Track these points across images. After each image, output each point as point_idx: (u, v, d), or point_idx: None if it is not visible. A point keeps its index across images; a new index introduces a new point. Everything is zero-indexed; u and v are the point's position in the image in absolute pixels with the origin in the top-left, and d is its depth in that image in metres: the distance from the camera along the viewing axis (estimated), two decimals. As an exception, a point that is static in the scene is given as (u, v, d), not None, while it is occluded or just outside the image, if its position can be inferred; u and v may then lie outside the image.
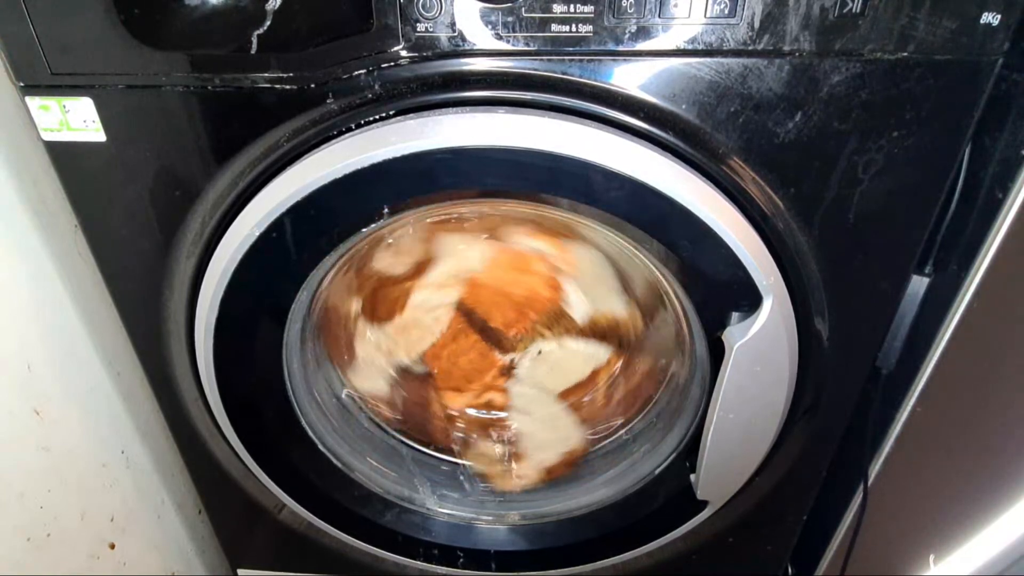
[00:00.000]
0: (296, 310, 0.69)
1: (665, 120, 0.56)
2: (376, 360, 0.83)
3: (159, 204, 0.64)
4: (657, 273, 0.69)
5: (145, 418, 0.90)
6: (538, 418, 0.87)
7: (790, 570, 1.02)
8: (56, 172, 0.63)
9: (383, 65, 0.55)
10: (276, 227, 0.59)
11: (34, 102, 0.58)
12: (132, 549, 0.91)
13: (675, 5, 0.51)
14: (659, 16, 0.52)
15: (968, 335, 0.65)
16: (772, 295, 0.59)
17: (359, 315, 0.81)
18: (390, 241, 0.74)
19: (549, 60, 0.55)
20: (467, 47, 0.54)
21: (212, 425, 0.77)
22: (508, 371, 0.84)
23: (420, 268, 0.77)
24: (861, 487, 0.79)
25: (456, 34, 0.54)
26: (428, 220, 0.72)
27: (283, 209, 0.58)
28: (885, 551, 0.86)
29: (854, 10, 0.50)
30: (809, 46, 0.52)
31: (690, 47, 0.53)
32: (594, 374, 0.85)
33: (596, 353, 0.82)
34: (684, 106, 0.56)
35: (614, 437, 0.88)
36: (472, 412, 0.89)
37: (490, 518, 0.89)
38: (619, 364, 0.85)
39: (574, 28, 0.53)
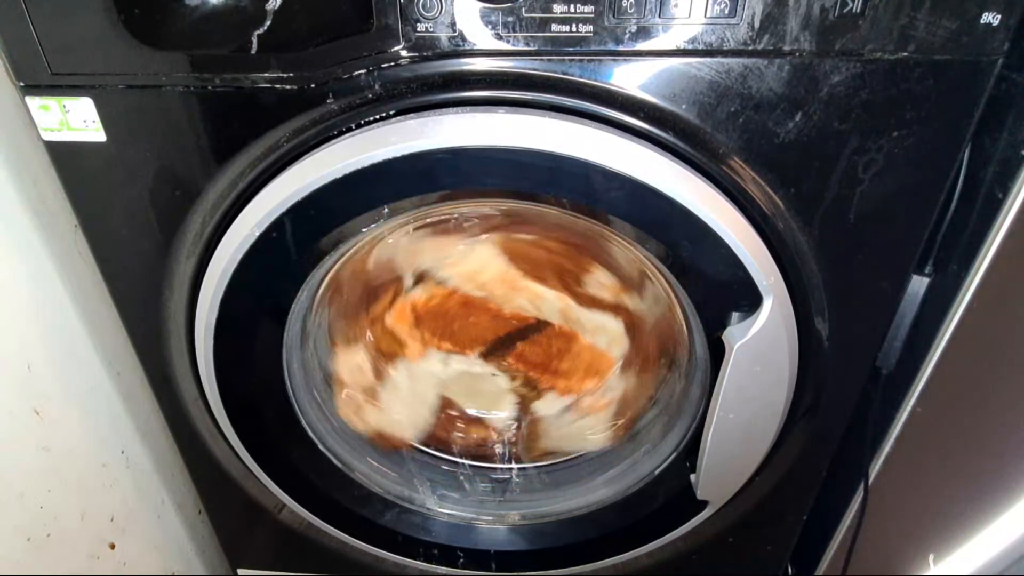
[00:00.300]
0: (296, 310, 0.69)
1: (665, 120, 0.56)
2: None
3: (159, 204, 0.64)
4: (657, 273, 0.69)
5: (145, 418, 0.90)
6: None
7: (790, 570, 1.02)
8: (56, 172, 0.63)
9: (383, 65, 0.55)
10: (276, 227, 0.59)
11: (34, 102, 0.58)
12: (132, 549, 0.91)
13: (675, 5, 0.51)
14: (659, 16, 0.52)
15: (968, 335, 0.65)
16: (772, 295, 0.59)
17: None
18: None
19: (549, 60, 0.55)
20: (467, 47, 0.54)
21: (212, 425, 0.77)
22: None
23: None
24: (861, 487, 0.79)
25: (456, 34, 0.54)
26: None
27: (283, 209, 0.58)
28: (885, 551, 0.86)
29: (854, 10, 0.50)
30: (809, 46, 0.52)
31: (690, 47, 0.53)
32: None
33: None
34: (684, 106, 0.56)
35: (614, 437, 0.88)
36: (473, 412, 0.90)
37: (490, 518, 0.89)
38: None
39: (574, 28, 0.53)
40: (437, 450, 0.91)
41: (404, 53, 0.55)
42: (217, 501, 0.96)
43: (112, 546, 0.88)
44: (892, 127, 0.55)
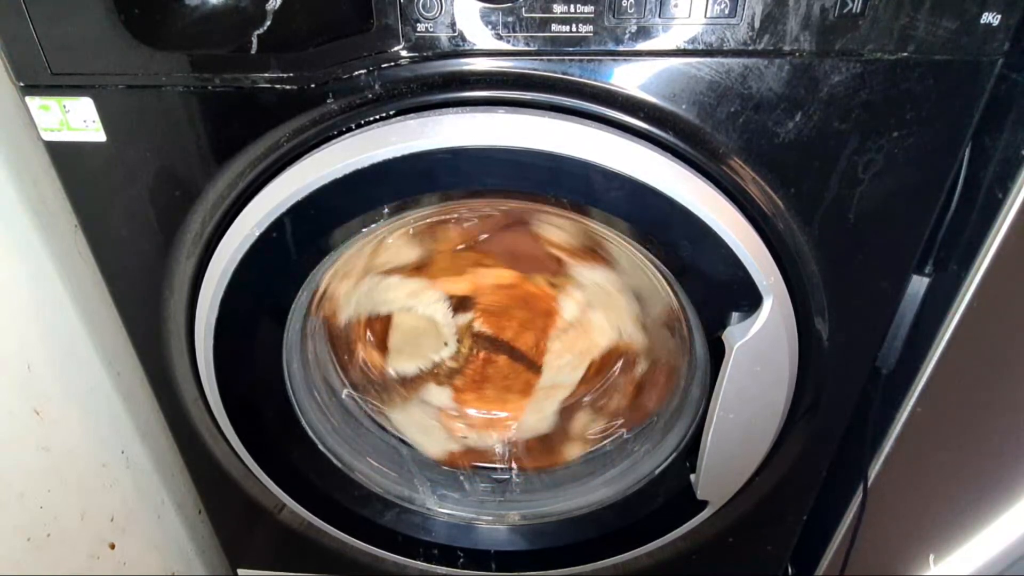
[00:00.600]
0: (296, 310, 0.69)
1: (665, 120, 0.56)
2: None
3: (159, 204, 0.64)
4: (657, 273, 0.69)
5: (145, 418, 0.90)
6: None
7: (790, 570, 1.02)
8: (56, 172, 0.63)
9: (383, 65, 0.55)
10: (276, 227, 0.59)
11: (34, 102, 0.58)
12: (132, 549, 0.91)
13: (675, 5, 0.51)
14: (659, 16, 0.52)
15: (968, 335, 0.65)
16: (772, 295, 0.59)
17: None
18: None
19: (549, 60, 0.55)
20: (467, 47, 0.54)
21: (212, 425, 0.77)
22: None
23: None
24: (861, 487, 0.79)
25: (456, 34, 0.54)
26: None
27: (283, 209, 0.58)
28: (885, 551, 0.86)
29: (854, 10, 0.50)
30: (809, 46, 0.52)
31: (690, 47, 0.53)
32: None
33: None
34: (684, 106, 0.56)
35: (614, 437, 0.88)
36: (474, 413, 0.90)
37: (490, 518, 0.89)
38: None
39: (574, 28, 0.53)
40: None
41: (404, 53, 0.55)
42: (217, 501, 0.96)
43: (112, 546, 0.88)
44: (892, 127, 0.55)
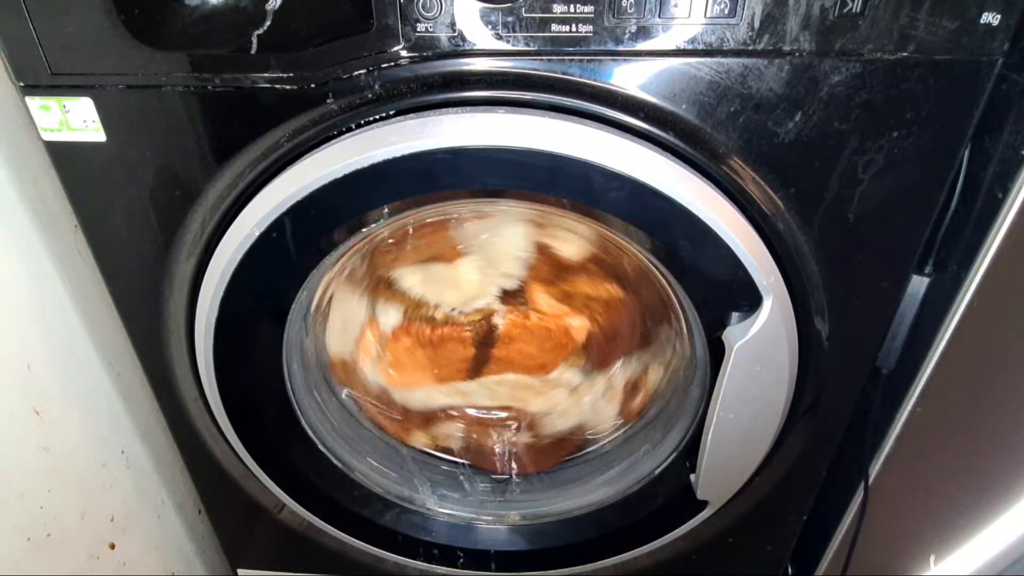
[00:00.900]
0: (296, 310, 0.69)
1: (665, 120, 0.56)
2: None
3: (159, 204, 0.64)
4: (657, 273, 0.69)
5: (145, 418, 0.90)
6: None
7: (790, 570, 1.02)
8: (56, 172, 0.63)
9: (383, 65, 0.55)
10: (276, 227, 0.59)
11: (34, 102, 0.58)
12: (132, 549, 0.91)
13: (675, 5, 0.51)
14: (659, 16, 0.52)
15: (968, 335, 0.65)
16: (772, 295, 0.59)
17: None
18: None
19: (549, 60, 0.55)
20: (467, 47, 0.54)
21: (212, 425, 0.77)
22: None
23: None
24: (861, 487, 0.79)
25: (456, 34, 0.54)
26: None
27: (283, 209, 0.58)
28: (885, 551, 0.86)
29: (854, 10, 0.50)
30: (809, 46, 0.52)
31: (690, 47, 0.53)
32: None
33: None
34: (684, 106, 0.56)
35: (614, 437, 0.88)
36: (473, 412, 0.90)
37: (490, 518, 0.89)
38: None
39: (574, 28, 0.53)
40: (437, 450, 0.91)
41: (404, 53, 0.55)
42: (217, 501, 0.96)
43: (112, 546, 0.88)
44: (892, 127, 0.55)
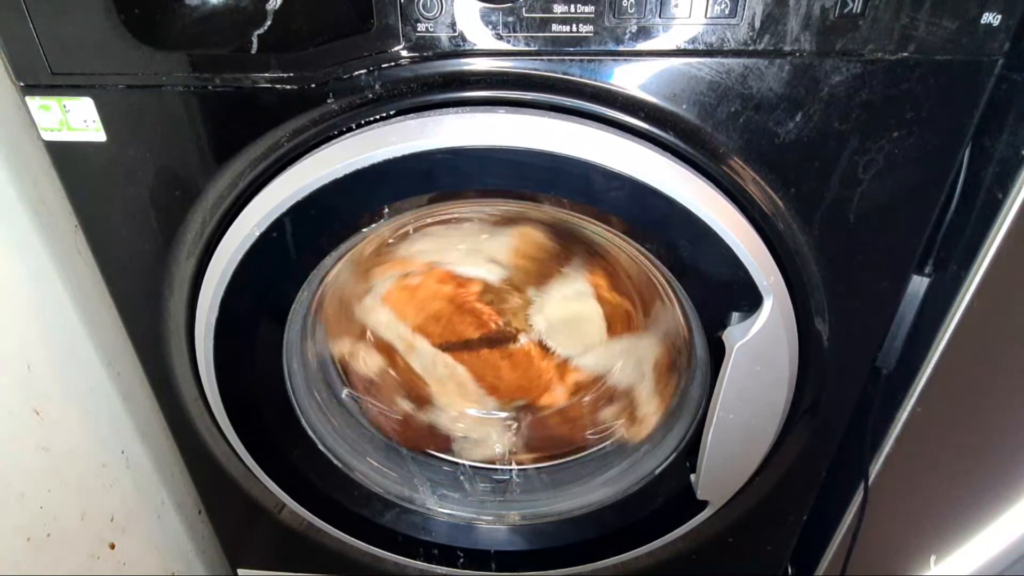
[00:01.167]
0: (296, 310, 0.69)
1: (665, 120, 0.56)
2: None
3: (159, 204, 0.64)
4: (657, 272, 0.69)
5: (145, 418, 0.90)
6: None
7: (790, 570, 1.02)
8: (56, 172, 0.63)
9: (383, 65, 0.55)
10: (276, 227, 0.59)
11: (34, 102, 0.58)
12: (132, 549, 0.91)
13: (675, 5, 0.51)
14: (659, 16, 0.52)
15: (968, 335, 0.65)
16: (772, 295, 0.59)
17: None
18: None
19: (549, 60, 0.55)
20: (467, 47, 0.54)
21: (212, 425, 0.77)
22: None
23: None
24: (861, 487, 0.79)
25: (456, 34, 0.54)
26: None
27: (283, 209, 0.58)
28: (885, 551, 0.86)
29: (854, 10, 0.50)
30: (809, 46, 0.52)
31: (690, 47, 0.53)
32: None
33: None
34: (684, 106, 0.56)
35: (614, 438, 0.88)
36: (473, 412, 0.90)
37: (490, 518, 0.89)
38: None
39: (574, 28, 0.53)
40: (437, 450, 0.91)
41: (404, 53, 0.55)
42: (217, 501, 0.96)
43: (112, 546, 0.88)
44: (892, 127, 0.55)
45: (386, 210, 0.58)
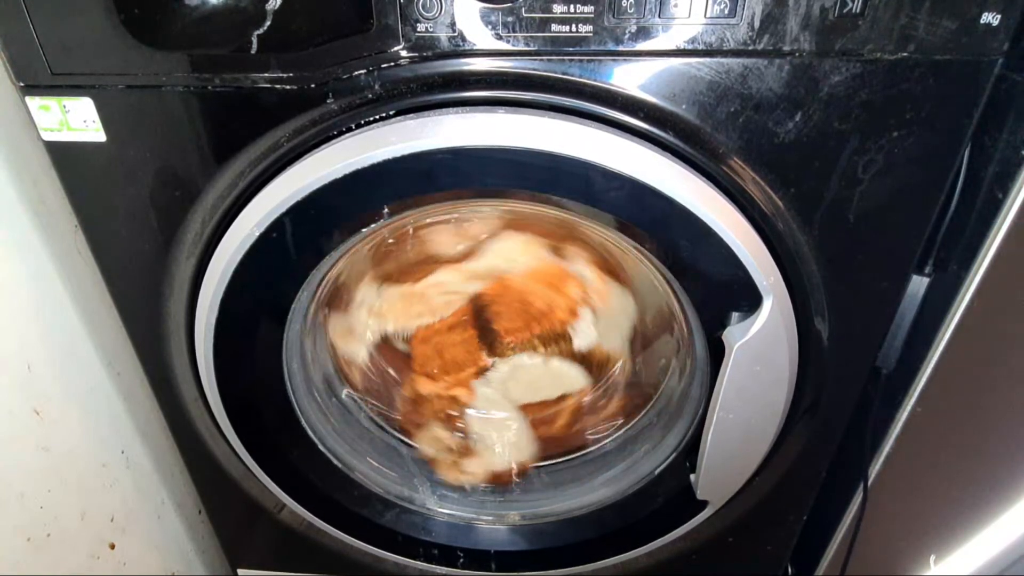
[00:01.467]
0: (296, 310, 0.69)
1: (665, 120, 0.56)
2: (362, 319, 0.81)
3: (159, 204, 0.64)
4: (657, 272, 0.69)
5: (145, 418, 0.90)
6: (494, 423, 0.88)
7: (790, 570, 1.02)
8: (56, 172, 0.63)
9: (383, 65, 0.55)
10: (276, 227, 0.59)
11: (34, 102, 0.58)
12: (132, 549, 0.91)
13: (675, 5, 0.51)
14: (659, 16, 0.52)
15: (968, 335, 0.65)
16: (772, 295, 0.59)
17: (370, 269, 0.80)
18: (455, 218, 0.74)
19: (549, 60, 0.55)
20: (467, 47, 0.54)
21: (212, 425, 0.77)
22: (483, 371, 0.83)
23: (464, 254, 0.76)
24: (861, 487, 0.79)
25: (456, 34, 0.54)
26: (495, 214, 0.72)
27: (283, 209, 0.58)
28: (885, 551, 0.86)
29: (854, 10, 0.50)
30: (809, 46, 0.52)
31: (690, 47, 0.53)
32: (560, 398, 0.85)
33: (575, 380, 0.83)
34: (684, 106, 0.56)
35: (614, 437, 0.88)
36: (473, 413, 0.89)
37: (490, 518, 0.89)
38: (588, 398, 0.86)
39: (574, 28, 0.53)
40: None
41: (404, 53, 0.55)
42: (217, 501, 0.96)
43: (112, 546, 0.88)
44: (892, 127, 0.55)
45: (386, 210, 0.58)
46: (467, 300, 0.78)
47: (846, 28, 0.51)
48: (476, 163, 0.56)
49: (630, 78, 0.55)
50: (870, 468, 0.79)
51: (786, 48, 0.52)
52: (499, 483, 0.88)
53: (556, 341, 0.80)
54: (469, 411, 0.89)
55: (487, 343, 0.81)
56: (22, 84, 0.58)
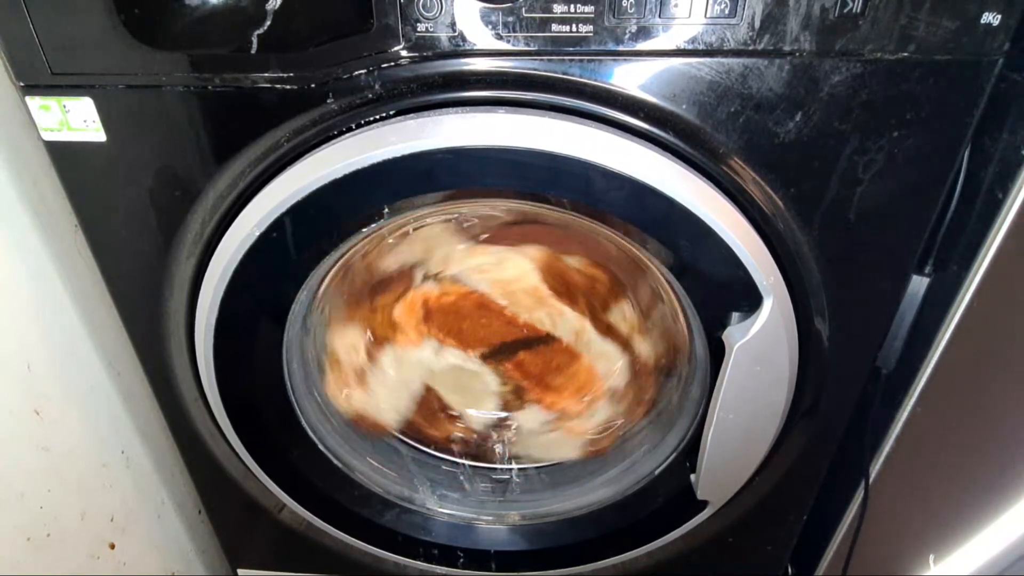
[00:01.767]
0: (296, 310, 0.69)
1: (665, 120, 0.56)
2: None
3: (159, 204, 0.64)
4: (657, 273, 0.69)
5: (145, 418, 0.90)
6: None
7: (790, 570, 1.02)
8: (56, 172, 0.63)
9: (383, 65, 0.55)
10: (276, 227, 0.59)
11: (34, 102, 0.58)
12: (132, 549, 0.91)
13: (675, 5, 0.51)
14: (659, 16, 0.52)
15: (968, 335, 0.65)
16: (772, 295, 0.59)
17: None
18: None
19: (549, 60, 0.55)
20: (467, 47, 0.54)
21: (212, 425, 0.77)
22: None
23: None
24: (861, 487, 0.79)
25: (456, 34, 0.54)
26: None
27: (283, 209, 0.58)
28: (885, 551, 0.86)
29: (854, 10, 0.50)
30: (809, 46, 0.52)
31: (690, 47, 0.53)
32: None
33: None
34: (684, 106, 0.56)
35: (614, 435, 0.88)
36: (473, 413, 0.89)
37: (490, 518, 0.89)
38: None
39: (574, 28, 0.53)
40: (437, 450, 0.91)
41: (404, 53, 0.55)
42: (217, 501, 0.96)
43: (112, 546, 0.88)
44: (892, 127, 0.55)
45: (386, 210, 0.58)
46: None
47: (846, 28, 0.51)
48: (476, 163, 0.56)
49: (630, 78, 0.55)
50: (870, 468, 0.79)
51: (786, 48, 0.52)
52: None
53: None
54: (469, 411, 0.89)
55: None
56: (22, 84, 0.58)
